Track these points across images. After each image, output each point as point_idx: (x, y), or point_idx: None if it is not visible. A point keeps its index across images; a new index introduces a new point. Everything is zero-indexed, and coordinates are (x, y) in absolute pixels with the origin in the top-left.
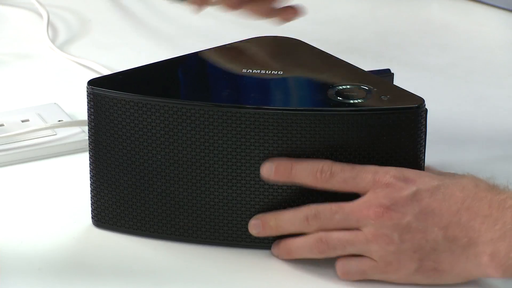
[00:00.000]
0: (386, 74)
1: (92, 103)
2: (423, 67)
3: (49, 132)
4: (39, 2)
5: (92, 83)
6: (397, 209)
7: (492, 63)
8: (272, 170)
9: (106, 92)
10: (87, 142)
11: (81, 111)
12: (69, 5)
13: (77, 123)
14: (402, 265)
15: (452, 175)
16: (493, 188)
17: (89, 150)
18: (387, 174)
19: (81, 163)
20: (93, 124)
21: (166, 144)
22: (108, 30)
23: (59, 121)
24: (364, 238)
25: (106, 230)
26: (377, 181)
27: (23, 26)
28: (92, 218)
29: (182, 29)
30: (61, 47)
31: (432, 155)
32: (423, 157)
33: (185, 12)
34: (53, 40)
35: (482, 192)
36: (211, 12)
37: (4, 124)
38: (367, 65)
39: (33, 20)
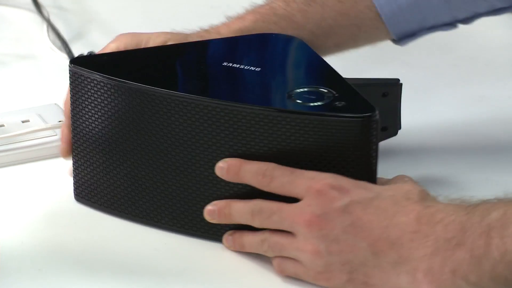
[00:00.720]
0: (392, 84)
1: (71, 80)
2: (423, 67)
3: (49, 132)
4: (39, 3)
5: (73, 61)
6: (327, 219)
7: (493, 64)
8: (224, 170)
9: (83, 71)
10: None
11: None
12: (69, 6)
13: None
14: (332, 275)
15: (395, 182)
16: (424, 199)
17: (72, 127)
18: (322, 181)
19: None
20: (72, 101)
21: (133, 128)
22: (107, 30)
23: (60, 121)
24: (296, 245)
25: (86, 206)
26: (311, 187)
27: (24, 27)
28: (74, 192)
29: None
30: (61, 48)
31: (433, 154)
32: (374, 167)
33: (184, 13)
34: (53, 41)
35: (412, 205)
36: (211, 14)
37: (5, 124)
38: (368, 66)
39: (33, 21)
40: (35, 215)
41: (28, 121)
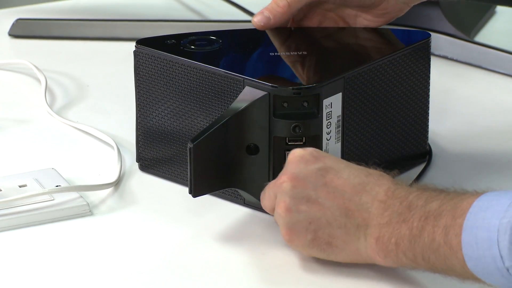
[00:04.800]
0: None
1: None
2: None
3: (46, 197)
4: (36, 68)
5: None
6: (300, 179)
7: (492, 129)
8: None
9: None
10: (84, 208)
11: (79, 176)
12: (66, 70)
13: (75, 188)
14: (299, 234)
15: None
16: (393, 180)
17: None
18: (303, 149)
19: (79, 228)
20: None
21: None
22: (105, 95)
23: (57, 186)
24: (274, 206)
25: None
26: (294, 153)
27: (21, 91)
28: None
29: None
30: (58, 112)
31: None
32: None
33: None
34: (51, 105)
35: (384, 179)
36: None
37: (2, 189)
38: None
39: (31, 85)
40: (32, 280)
41: (25, 185)
